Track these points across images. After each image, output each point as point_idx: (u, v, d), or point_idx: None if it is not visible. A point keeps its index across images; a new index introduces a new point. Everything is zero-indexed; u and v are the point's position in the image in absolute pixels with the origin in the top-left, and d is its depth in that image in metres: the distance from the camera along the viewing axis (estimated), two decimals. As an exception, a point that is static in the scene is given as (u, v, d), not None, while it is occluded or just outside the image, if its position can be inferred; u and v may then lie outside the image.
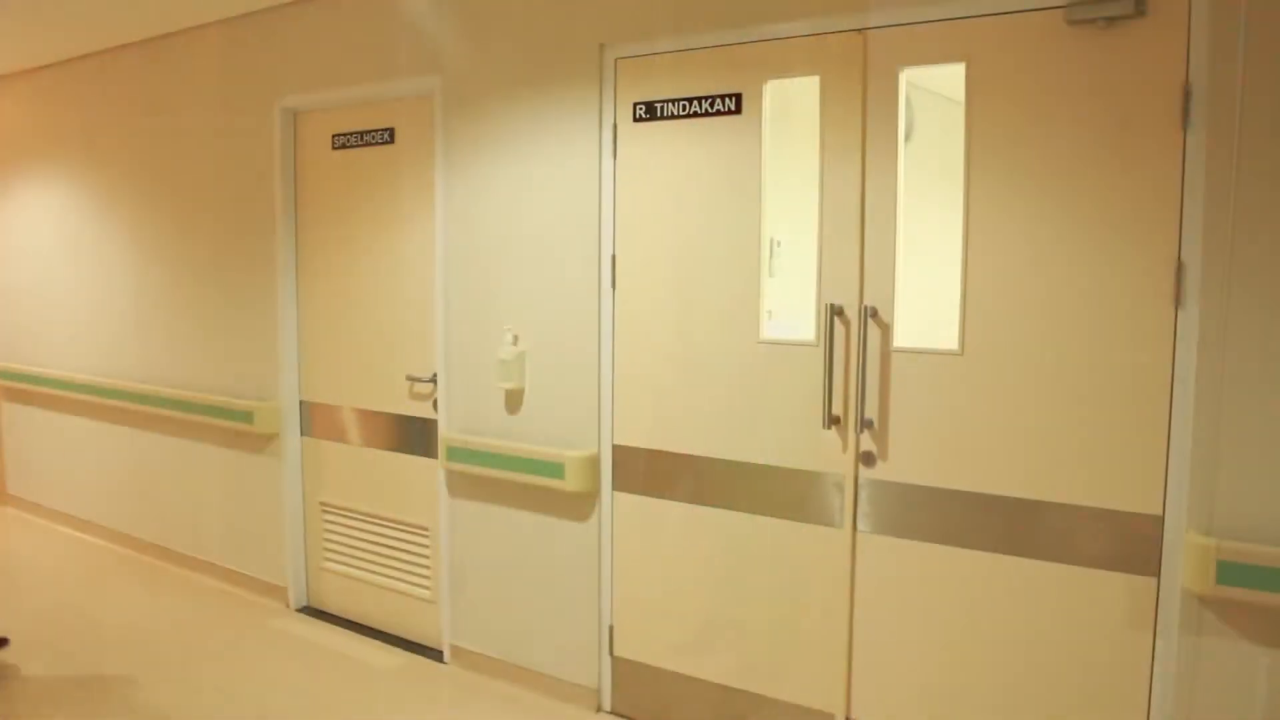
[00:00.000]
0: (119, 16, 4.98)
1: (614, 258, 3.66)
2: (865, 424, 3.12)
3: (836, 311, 3.15)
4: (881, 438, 3.10)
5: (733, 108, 3.34)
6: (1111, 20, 2.65)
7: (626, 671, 3.78)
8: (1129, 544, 2.73)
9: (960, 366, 2.97)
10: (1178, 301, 2.62)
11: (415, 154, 4.29)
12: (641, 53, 3.56)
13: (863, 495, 3.17)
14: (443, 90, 4.09)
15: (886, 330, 3.08)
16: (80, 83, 5.85)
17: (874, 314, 3.09)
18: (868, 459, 3.14)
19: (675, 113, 3.47)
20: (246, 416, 4.89)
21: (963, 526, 2.99)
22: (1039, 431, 2.86)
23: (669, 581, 3.61)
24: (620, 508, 3.74)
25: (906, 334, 3.09)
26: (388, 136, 4.40)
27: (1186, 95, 2.58)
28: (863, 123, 3.10)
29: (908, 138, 5.50)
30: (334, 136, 4.60)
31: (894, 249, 3.07)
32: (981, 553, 2.96)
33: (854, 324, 3.13)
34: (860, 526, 3.17)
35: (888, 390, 3.09)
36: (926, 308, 3.28)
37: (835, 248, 3.16)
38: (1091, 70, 2.72)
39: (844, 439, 3.18)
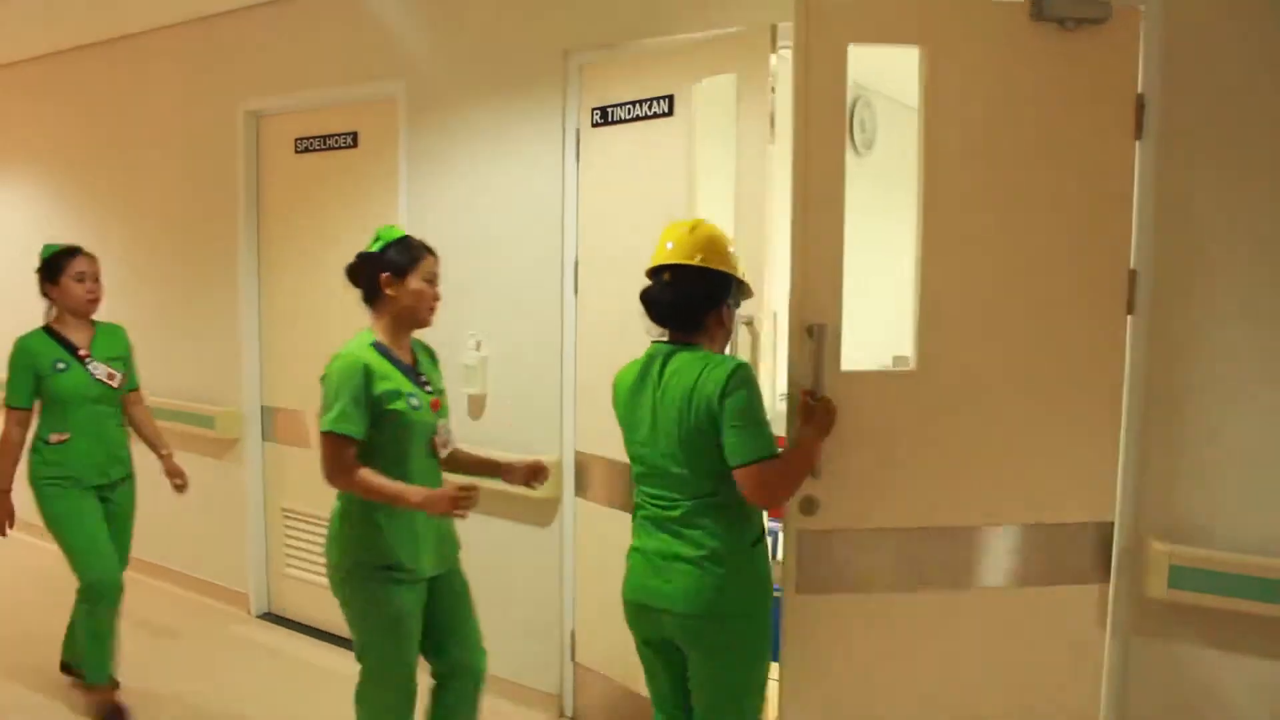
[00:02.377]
0: (80, 17, 4.94)
1: (577, 263, 3.66)
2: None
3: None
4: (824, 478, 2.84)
5: (665, 110, 3.33)
6: (1079, 22, 2.56)
7: (589, 678, 3.78)
8: (1083, 553, 2.73)
9: (916, 385, 2.68)
10: (1130, 308, 2.64)
11: (379, 158, 4.27)
12: (606, 60, 3.56)
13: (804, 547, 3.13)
14: (406, 94, 4.08)
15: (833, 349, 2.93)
16: (39, 83, 5.79)
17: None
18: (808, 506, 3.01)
19: (622, 116, 3.46)
20: (208, 421, 4.84)
21: (917, 566, 2.73)
22: (997, 449, 2.68)
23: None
24: (582, 514, 3.73)
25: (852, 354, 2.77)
26: (351, 140, 4.38)
27: (1140, 105, 2.60)
28: (804, 106, 2.62)
29: (870, 148, 5.54)
30: (297, 140, 4.57)
31: (840, 257, 2.74)
32: (940, 593, 2.73)
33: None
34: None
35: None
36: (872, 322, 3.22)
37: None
38: (1051, 71, 2.60)
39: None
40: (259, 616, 4.85)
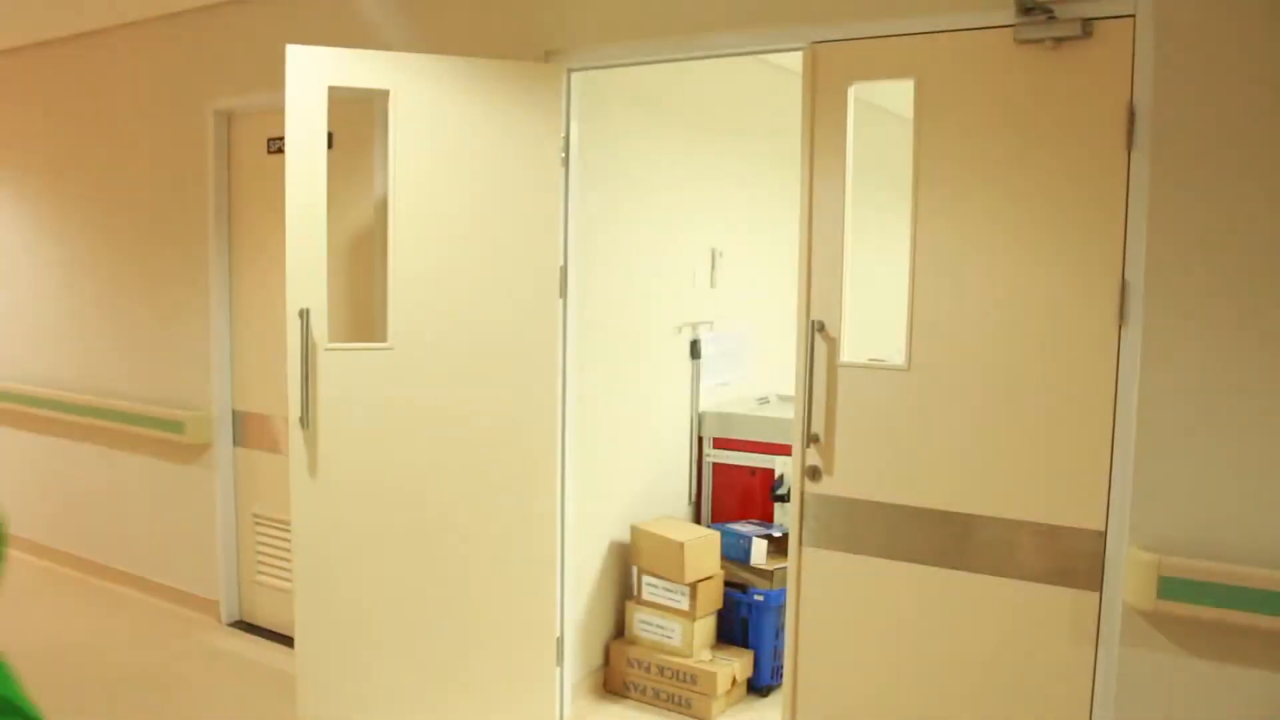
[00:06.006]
0: (44, 12, 4.82)
1: (564, 269, 3.61)
2: (812, 438, 3.12)
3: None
4: (828, 452, 3.10)
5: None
6: (1059, 41, 2.67)
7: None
8: (1072, 559, 2.76)
9: (906, 381, 2.98)
10: (1121, 319, 2.65)
11: (354, 159, 4.20)
12: (591, 65, 3.53)
13: (808, 510, 3.16)
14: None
15: (833, 345, 3.07)
16: (1, 79, 5.65)
17: (821, 328, 3.08)
18: (814, 473, 3.13)
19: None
20: (177, 426, 4.75)
21: (908, 541, 3.00)
22: (985, 447, 2.87)
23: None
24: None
25: (853, 349, 3.10)
26: (326, 141, 4.29)
27: (1131, 116, 2.60)
28: (810, 138, 3.08)
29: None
30: (270, 140, 4.49)
31: (841, 264, 3.06)
32: (926, 567, 2.98)
33: (802, 338, 3.12)
34: (805, 541, 3.16)
35: (834, 405, 3.08)
36: (874, 323, 3.29)
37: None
38: (1040, 89, 2.73)
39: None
40: (230, 624, 4.77)
